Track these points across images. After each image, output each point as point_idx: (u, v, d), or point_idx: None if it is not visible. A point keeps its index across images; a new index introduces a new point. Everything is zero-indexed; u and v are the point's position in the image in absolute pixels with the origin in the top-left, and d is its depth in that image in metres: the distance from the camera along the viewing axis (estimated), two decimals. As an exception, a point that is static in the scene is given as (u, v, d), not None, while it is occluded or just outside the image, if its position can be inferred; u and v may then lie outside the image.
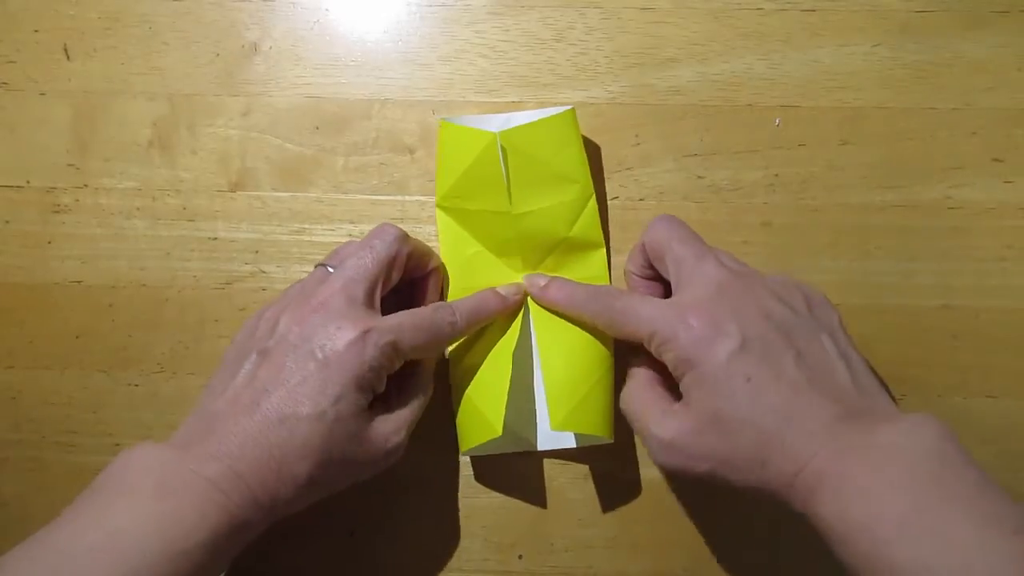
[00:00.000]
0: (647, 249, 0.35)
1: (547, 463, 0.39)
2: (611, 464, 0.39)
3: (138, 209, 0.40)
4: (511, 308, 0.37)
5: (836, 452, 0.28)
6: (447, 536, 0.39)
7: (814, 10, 0.41)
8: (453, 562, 0.38)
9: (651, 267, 0.36)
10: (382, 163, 0.40)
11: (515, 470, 0.39)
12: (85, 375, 0.40)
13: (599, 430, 0.35)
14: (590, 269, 0.39)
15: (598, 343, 0.36)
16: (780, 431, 0.29)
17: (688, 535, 0.38)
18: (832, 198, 0.40)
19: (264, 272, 0.40)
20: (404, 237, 0.35)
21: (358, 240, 0.36)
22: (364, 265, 0.34)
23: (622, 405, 0.35)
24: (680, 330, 0.31)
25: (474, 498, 0.39)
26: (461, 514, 0.39)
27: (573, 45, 0.41)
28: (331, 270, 0.34)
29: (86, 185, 0.40)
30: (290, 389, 0.30)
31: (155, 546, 0.27)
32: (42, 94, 0.41)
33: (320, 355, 0.31)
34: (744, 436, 0.30)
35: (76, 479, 0.39)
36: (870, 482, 0.27)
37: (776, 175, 0.40)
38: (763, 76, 0.40)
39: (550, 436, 0.38)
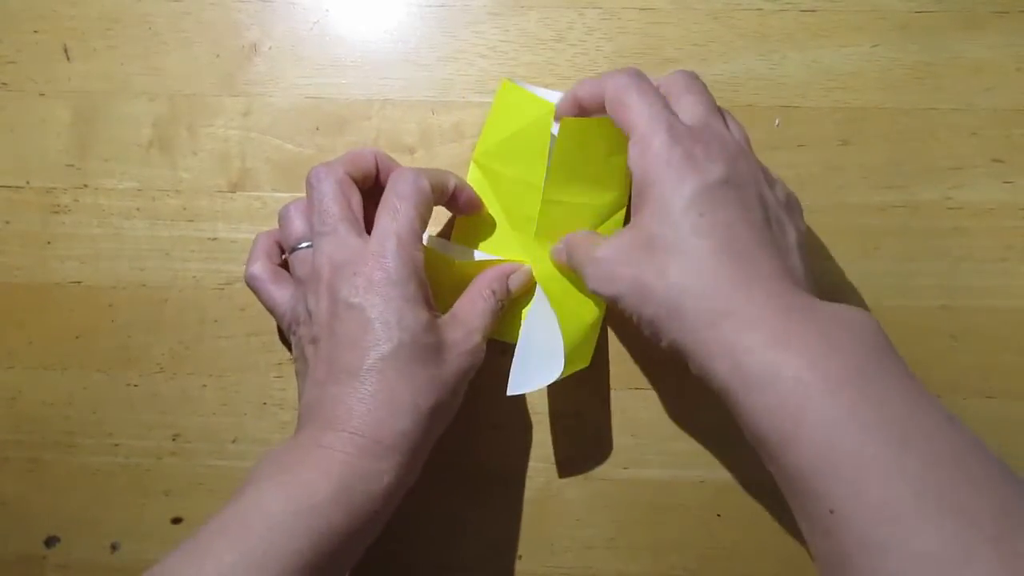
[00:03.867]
0: (608, 102, 0.33)
1: (547, 463, 0.39)
2: (611, 464, 0.39)
3: (138, 209, 0.40)
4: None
5: (780, 308, 0.27)
6: (447, 536, 0.39)
7: (814, 10, 0.41)
8: (453, 562, 0.38)
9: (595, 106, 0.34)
10: (382, 163, 0.40)
11: (515, 469, 0.39)
12: (85, 375, 0.40)
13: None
14: None
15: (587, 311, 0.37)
16: (716, 267, 0.28)
17: (688, 535, 0.38)
18: (832, 198, 0.40)
19: (264, 272, 0.40)
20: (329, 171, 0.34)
21: (292, 205, 0.35)
22: (332, 225, 0.33)
23: (562, 247, 0.35)
24: (665, 143, 0.29)
25: (474, 498, 0.39)
26: (461, 514, 0.39)
27: (573, 45, 0.41)
28: (305, 245, 0.34)
29: (86, 185, 0.40)
30: (359, 345, 0.31)
31: (281, 507, 0.28)
32: (42, 94, 0.41)
33: (356, 300, 0.31)
34: (673, 264, 0.28)
35: (76, 479, 0.39)
36: (814, 340, 0.26)
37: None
38: (763, 76, 0.40)
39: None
